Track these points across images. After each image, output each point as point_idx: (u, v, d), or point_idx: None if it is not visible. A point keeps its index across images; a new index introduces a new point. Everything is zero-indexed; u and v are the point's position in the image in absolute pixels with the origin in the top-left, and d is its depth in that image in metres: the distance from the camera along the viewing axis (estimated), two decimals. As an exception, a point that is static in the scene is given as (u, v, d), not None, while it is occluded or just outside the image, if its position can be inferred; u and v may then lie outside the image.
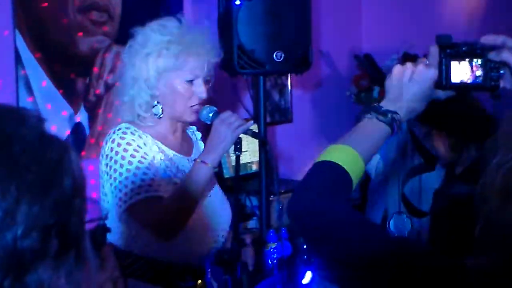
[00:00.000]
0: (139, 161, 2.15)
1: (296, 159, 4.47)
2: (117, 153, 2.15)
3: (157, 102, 2.24)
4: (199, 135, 2.49)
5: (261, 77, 3.29)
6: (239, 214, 2.51)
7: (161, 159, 2.23)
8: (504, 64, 1.39)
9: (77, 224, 0.84)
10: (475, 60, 1.43)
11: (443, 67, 1.45)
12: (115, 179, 2.14)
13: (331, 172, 1.36)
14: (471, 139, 2.55)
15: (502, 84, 1.42)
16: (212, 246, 2.31)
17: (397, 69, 1.49)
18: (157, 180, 2.17)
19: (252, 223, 3.50)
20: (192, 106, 2.25)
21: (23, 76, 2.98)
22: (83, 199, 0.86)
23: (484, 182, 1.10)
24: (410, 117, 1.49)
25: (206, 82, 2.27)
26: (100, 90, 3.31)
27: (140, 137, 2.20)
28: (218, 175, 2.24)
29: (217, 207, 2.35)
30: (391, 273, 1.17)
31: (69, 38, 3.18)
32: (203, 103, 2.26)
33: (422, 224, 2.80)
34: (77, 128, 3.25)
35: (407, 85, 1.46)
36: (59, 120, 3.14)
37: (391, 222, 2.46)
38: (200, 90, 2.24)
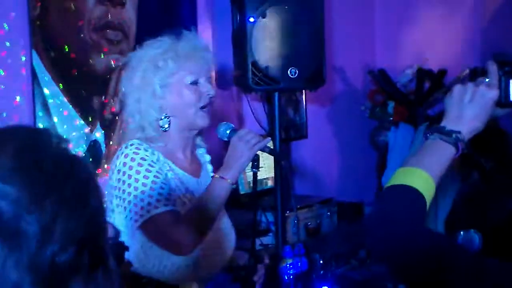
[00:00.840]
0: (155, 176, 2.11)
1: (312, 174, 4.47)
2: (131, 167, 2.11)
3: (165, 116, 2.22)
4: (208, 157, 2.45)
5: (276, 94, 3.30)
6: (255, 231, 2.50)
7: (171, 177, 2.21)
8: None
9: (105, 241, 0.86)
10: None
11: (502, 84, 1.48)
12: (129, 193, 2.09)
13: (409, 196, 1.38)
14: (484, 152, 2.53)
15: None
16: (218, 270, 2.29)
17: (457, 89, 1.50)
18: (173, 195, 2.16)
19: (268, 239, 3.50)
20: (202, 107, 2.24)
21: (40, 95, 3.01)
22: (105, 217, 0.89)
23: None
24: (471, 136, 1.50)
25: (209, 81, 2.27)
26: (115, 108, 3.34)
27: (153, 154, 2.17)
28: (234, 191, 2.23)
29: (226, 229, 2.34)
30: None
31: (85, 57, 3.21)
32: (211, 103, 2.25)
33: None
34: (93, 146, 3.27)
35: (468, 106, 1.47)
36: (75, 137, 3.17)
37: (459, 239, 2.43)
38: (207, 88, 2.24)
